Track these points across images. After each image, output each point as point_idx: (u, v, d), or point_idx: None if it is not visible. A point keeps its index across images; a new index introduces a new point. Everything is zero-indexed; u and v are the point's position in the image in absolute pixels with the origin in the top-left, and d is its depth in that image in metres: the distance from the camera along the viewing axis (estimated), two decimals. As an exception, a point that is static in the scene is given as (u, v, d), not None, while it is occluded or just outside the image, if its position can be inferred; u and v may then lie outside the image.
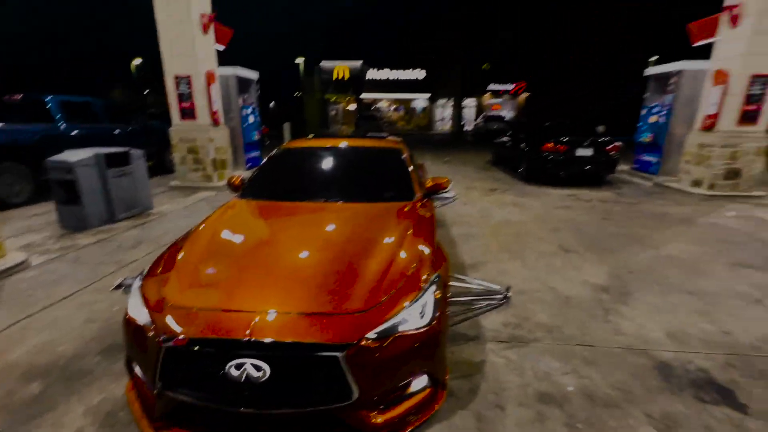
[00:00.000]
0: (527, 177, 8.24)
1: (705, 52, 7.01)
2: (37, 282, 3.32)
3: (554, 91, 27.91)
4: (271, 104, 36.72)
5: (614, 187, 7.61)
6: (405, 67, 32.26)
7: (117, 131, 8.03)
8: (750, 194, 6.48)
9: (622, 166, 9.29)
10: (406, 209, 2.62)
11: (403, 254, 2.04)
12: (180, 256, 2.10)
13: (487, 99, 32.37)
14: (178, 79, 6.96)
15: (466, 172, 9.65)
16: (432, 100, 32.90)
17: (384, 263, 1.94)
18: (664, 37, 7.38)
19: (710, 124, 6.61)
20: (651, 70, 8.42)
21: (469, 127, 30.36)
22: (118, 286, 2.49)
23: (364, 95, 33.19)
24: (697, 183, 6.91)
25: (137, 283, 1.94)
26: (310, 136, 4.06)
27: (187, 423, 1.67)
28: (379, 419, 1.64)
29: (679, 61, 7.74)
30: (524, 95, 30.75)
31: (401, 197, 2.81)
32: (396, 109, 36.36)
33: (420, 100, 34.05)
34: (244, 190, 3.06)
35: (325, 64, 32.96)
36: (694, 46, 7.36)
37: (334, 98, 34.10)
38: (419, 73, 32.12)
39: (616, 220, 5.24)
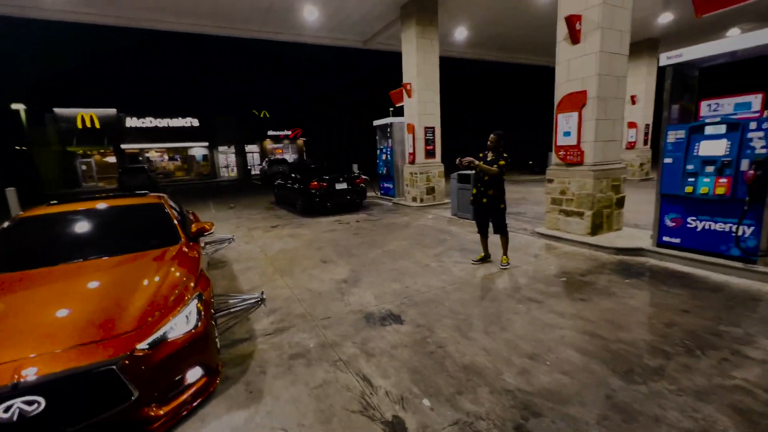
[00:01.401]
0: (303, 211, 9.65)
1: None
2: None
3: (324, 137, 32.24)
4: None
5: (367, 210, 9.93)
6: (174, 116, 30.17)
7: None
8: (442, 202, 9.86)
9: (374, 193, 12.09)
10: (170, 251, 3.16)
11: (166, 284, 2.62)
12: None
13: (269, 144, 33.99)
14: None
15: (251, 214, 10.31)
16: (211, 147, 31.85)
17: (149, 294, 2.47)
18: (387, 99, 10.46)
19: (411, 159, 9.74)
20: (376, 122, 11.49)
21: (256, 172, 30.98)
22: None
23: (126, 145, 28.90)
24: (414, 199, 9.94)
25: None
26: (53, 202, 3.88)
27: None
28: (161, 411, 2.17)
29: (390, 117, 10.96)
30: (302, 139, 34.02)
31: (166, 243, 3.30)
32: (171, 159, 33.16)
33: (198, 148, 32.34)
34: (-30, 267, 2.83)
35: (62, 111, 27.08)
36: (396, 106, 10.64)
37: (83, 150, 28.20)
38: (192, 121, 30.67)
39: (363, 234, 7.08)
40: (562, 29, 5.52)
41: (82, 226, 3.54)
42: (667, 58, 4.40)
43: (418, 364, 2.71)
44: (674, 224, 4.57)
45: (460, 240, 6.25)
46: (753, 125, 3.77)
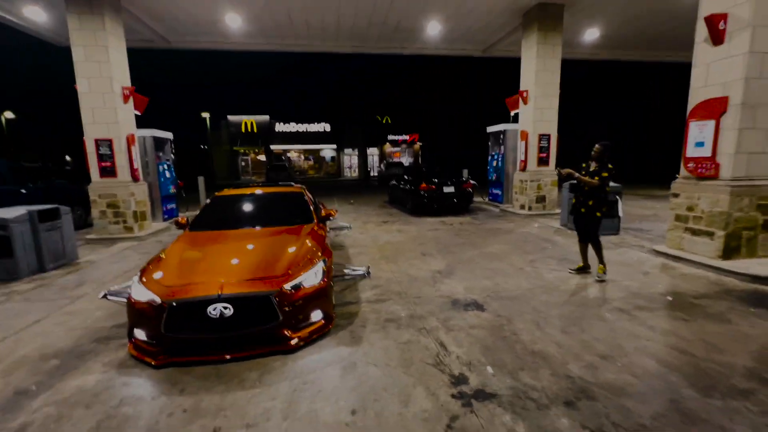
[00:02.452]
0: (412, 210, 10.46)
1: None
2: (1, 316, 3.99)
3: (440, 141, 32.92)
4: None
5: (473, 214, 10.20)
6: (311, 121, 34.85)
7: (23, 191, 8.24)
8: (552, 212, 9.50)
9: (481, 199, 12.23)
10: (306, 227, 4.21)
11: (303, 249, 3.60)
12: (161, 262, 3.35)
13: (388, 148, 36.33)
14: (98, 142, 7.70)
15: (366, 210, 11.60)
16: (339, 149, 35.73)
17: (293, 254, 3.48)
18: (502, 106, 10.64)
19: (523, 167, 9.64)
20: (489, 129, 11.62)
21: (374, 173, 33.52)
22: (104, 296, 3.51)
23: (274, 146, 34.63)
24: (522, 206, 9.81)
25: (136, 280, 3.14)
26: (231, 186, 5.51)
27: (180, 353, 2.91)
28: (294, 335, 3.09)
29: (504, 123, 10.98)
30: (418, 144, 35.40)
31: (303, 221, 4.40)
32: (306, 159, 38.36)
33: (328, 150, 36.63)
34: (191, 225, 4.34)
35: (233, 117, 33.92)
36: (512, 113, 10.64)
37: (243, 150, 34.84)
38: (325, 126, 34.95)
39: (464, 235, 7.47)
40: (701, 30, 5.01)
41: (250, 205, 4.94)
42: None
43: (490, 343, 3.11)
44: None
45: (562, 250, 6.15)
46: None
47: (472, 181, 10.48)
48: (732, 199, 4.78)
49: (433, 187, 9.95)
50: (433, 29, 10.28)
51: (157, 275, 3.15)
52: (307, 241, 3.84)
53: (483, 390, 2.49)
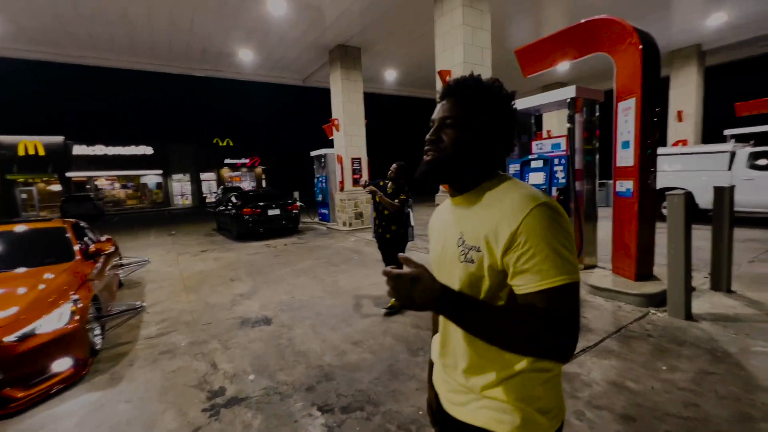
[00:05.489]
0: (237, 236, 10.15)
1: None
2: None
3: (284, 164, 32.96)
4: None
5: (301, 234, 10.57)
6: (126, 143, 29.88)
7: None
8: (368, 226, 10.70)
9: (310, 219, 12.78)
10: (61, 267, 3.70)
11: (45, 291, 3.16)
12: None
13: (226, 172, 34.11)
14: None
15: (187, 241, 10.66)
16: (165, 175, 31.56)
17: (27, 297, 3.02)
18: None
19: (341, 187, 10.60)
20: (313, 153, 12.35)
21: (212, 199, 30.88)
22: None
23: (73, 173, 28.12)
24: (344, 223, 10.73)
25: None
26: None
27: None
28: (25, 393, 2.68)
29: (325, 148, 11.87)
30: (260, 168, 34.46)
31: (60, 260, 3.85)
32: (124, 187, 32.43)
33: (152, 176, 31.92)
34: None
35: (3, 138, 26.18)
36: (330, 138, 11.58)
37: (23, 178, 27.13)
38: (146, 149, 30.46)
39: (283, 255, 7.71)
40: (438, 82, 6.67)
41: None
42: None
43: (263, 353, 3.37)
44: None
45: (366, 258, 7.03)
46: (556, 161, 4.88)
47: (299, 203, 10.89)
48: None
49: (258, 210, 9.92)
50: (246, 56, 10.44)
51: None
52: (57, 281, 3.37)
53: (236, 397, 2.69)
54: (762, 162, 7.74)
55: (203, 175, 33.30)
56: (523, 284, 0.76)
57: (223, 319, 4.25)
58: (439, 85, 6.64)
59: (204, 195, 32.63)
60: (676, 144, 12.18)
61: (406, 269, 0.76)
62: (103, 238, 5.48)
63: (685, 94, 11.86)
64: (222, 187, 26.45)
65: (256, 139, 34.03)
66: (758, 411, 2.21)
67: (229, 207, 10.97)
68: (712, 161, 8.31)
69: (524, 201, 0.78)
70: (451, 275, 0.90)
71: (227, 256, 7.94)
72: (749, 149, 7.98)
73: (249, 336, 3.75)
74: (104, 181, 31.02)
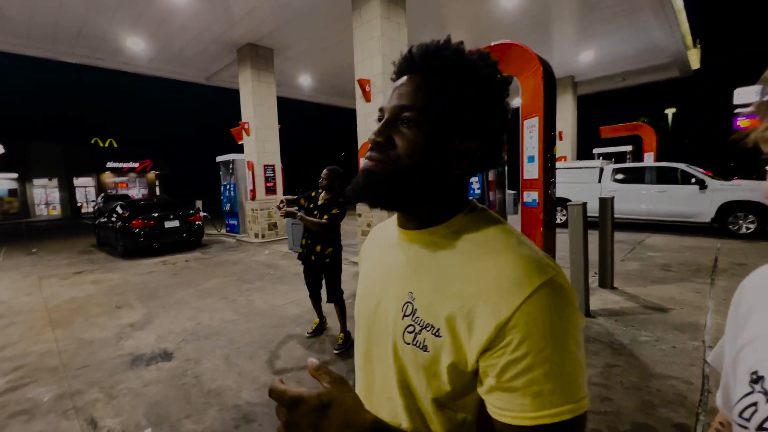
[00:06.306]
0: (125, 253, 8.65)
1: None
2: None
3: (183, 169, 29.65)
4: None
5: (205, 248, 9.47)
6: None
7: None
8: (283, 237, 10.10)
9: (216, 230, 11.60)
10: None
11: None
12: None
13: (109, 177, 29.40)
14: None
15: (56, 260, 8.73)
16: (22, 180, 25.84)
17: None
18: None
19: (252, 195, 9.82)
20: (219, 158, 11.27)
21: (89, 209, 26.24)
22: None
23: None
24: (256, 235, 9.94)
25: None
26: None
27: None
28: None
29: (232, 153, 10.90)
30: (153, 173, 30.47)
31: None
32: (-41, 194, 25.58)
33: (2, 181, 25.84)
34: None
35: None
36: (239, 143, 10.67)
37: None
38: (-7, 148, 24.58)
39: (183, 274, 6.75)
40: (358, 90, 6.60)
41: None
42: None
43: (162, 398, 2.78)
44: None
45: (284, 273, 6.53)
46: (472, 172, 5.14)
47: (202, 213, 9.76)
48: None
49: (151, 222, 8.60)
50: (135, 44, 9.06)
51: None
52: None
53: (126, 462, 2.14)
54: (619, 177, 9.38)
55: (78, 181, 28.19)
56: (507, 409, 0.47)
57: (105, 359, 3.45)
58: (359, 93, 6.57)
59: (79, 204, 27.60)
60: (558, 160, 14.11)
61: (308, 390, 0.45)
62: None
63: (564, 117, 13.80)
64: (103, 194, 22.55)
65: (149, 141, 29.93)
66: (656, 397, 2.49)
67: (113, 219, 9.34)
68: (587, 175, 9.76)
69: (522, 272, 0.49)
70: (387, 357, 0.60)
71: (111, 278, 6.66)
72: (612, 166, 9.63)
73: (143, 378, 3.09)
74: (-73, 186, 24.13)
